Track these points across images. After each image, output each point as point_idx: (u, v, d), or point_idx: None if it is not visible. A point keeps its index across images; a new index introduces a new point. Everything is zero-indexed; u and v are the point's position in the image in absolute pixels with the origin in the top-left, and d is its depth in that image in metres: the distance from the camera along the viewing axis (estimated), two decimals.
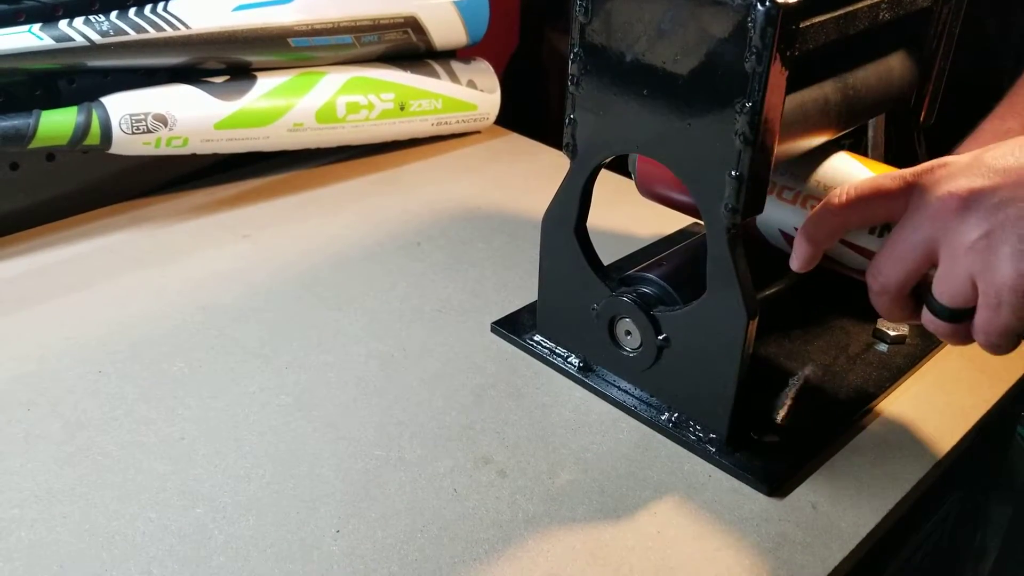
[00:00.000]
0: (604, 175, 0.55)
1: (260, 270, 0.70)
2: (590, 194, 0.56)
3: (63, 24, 0.69)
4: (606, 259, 0.59)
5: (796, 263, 0.51)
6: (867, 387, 0.58)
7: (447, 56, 0.91)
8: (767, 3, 0.42)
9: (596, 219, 0.57)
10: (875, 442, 0.55)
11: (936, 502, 0.64)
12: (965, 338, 0.48)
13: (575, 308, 0.58)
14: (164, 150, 0.74)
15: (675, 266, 0.57)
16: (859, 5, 0.50)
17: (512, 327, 0.63)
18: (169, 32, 0.73)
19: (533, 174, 0.87)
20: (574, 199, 0.56)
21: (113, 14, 0.71)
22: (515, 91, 0.96)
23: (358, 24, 0.82)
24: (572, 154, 0.55)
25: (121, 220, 0.77)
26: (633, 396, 0.57)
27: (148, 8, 0.73)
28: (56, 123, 0.69)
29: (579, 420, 0.56)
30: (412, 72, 0.87)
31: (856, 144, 0.63)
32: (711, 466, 0.53)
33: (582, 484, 0.51)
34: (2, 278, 0.68)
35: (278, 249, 0.73)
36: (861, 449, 0.54)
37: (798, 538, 0.48)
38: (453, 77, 0.89)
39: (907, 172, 0.48)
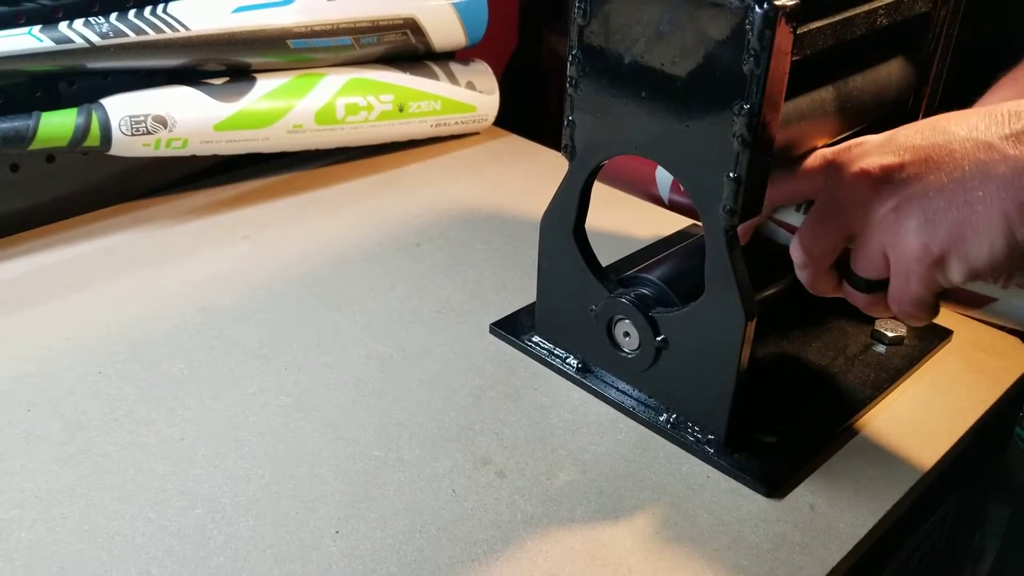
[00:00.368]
0: None
1: (260, 271, 0.70)
2: (589, 195, 0.56)
3: (63, 26, 0.69)
4: (604, 260, 0.59)
5: None
6: (865, 388, 0.59)
7: (446, 58, 0.91)
8: (765, 5, 0.43)
9: (595, 220, 0.57)
10: (873, 443, 0.55)
11: (934, 503, 0.64)
12: (883, 309, 0.50)
13: (574, 309, 0.58)
14: (164, 151, 0.75)
15: (673, 267, 0.58)
16: (857, 11, 0.50)
17: (511, 328, 0.63)
18: (169, 34, 0.73)
19: (532, 175, 0.87)
20: (573, 200, 0.56)
21: (113, 16, 0.71)
22: (514, 92, 0.96)
23: (357, 26, 0.83)
24: (571, 156, 0.55)
25: (121, 221, 0.77)
26: (631, 397, 0.57)
27: (148, 10, 0.73)
28: (56, 125, 0.70)
29: (577, 421, 0.56)
30: (411, 74, 0.87)
31: None
32: (709, 467, 0.53)
33: (580, 485, 0.51)
34: (2, 279, 0.68)
35: (278, 250, 0.73)
36: (859, 450, 0.55)
37: (796, 539, 0.48)
38: (452, 79, 0.90)
39: (827, 151, 0.51)
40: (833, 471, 0.53)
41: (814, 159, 0.51)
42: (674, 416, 0.55)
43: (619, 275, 0.58)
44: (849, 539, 0.48)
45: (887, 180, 0.47)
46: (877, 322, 0.63)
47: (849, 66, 0.56)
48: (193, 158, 0.79)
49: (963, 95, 0.67)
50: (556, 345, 0.61)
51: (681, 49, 0.47)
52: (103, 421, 0.54)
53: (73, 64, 0.71)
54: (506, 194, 0.84)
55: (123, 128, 0.72)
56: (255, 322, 0.64)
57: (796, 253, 0.52)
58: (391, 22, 0.85)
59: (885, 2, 0.52)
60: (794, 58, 0.45)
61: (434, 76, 0.89)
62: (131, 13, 0.72)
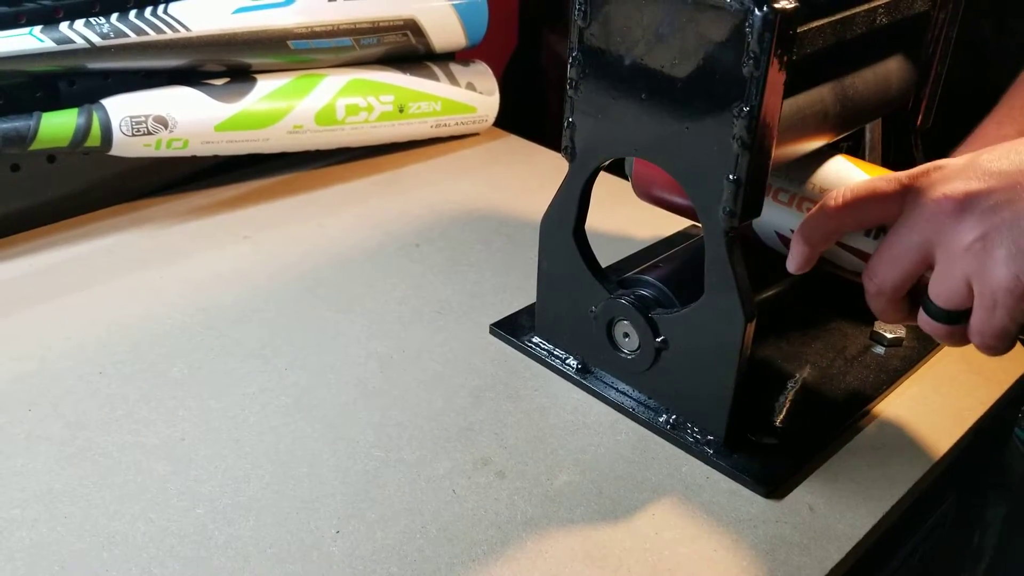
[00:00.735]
0: (603, 177, 0.56)
1: (260, 271, 0.70)
2: (589, 196, 0.56)
3: (64, 26, 0.69)
4: (604, 261, 0.59)
5: (793, 265, 0.51)
6: (864, 389, 0.59)
7: (446, 59, 0.91)
8: (764, 8, 0.43)
9: (594, 221, 0.57)
10: (872, 444, 0.55)
11: (933, 504, 0.64)
12: (961, 339, 0.48)
13: (573, 310, 0.59)
14: (164, 152, 0.75)
15: (673, 269, 0.58)
16: (856, 10, 0.50)
17: (511, 329, 0.63)
18: (169, 34, 0.73)
19: (532, 176, 0.88)
20: (573, 201, 0.56)
21: (113, 16, 0.72)
22: (514, 93, 0.96)
23: (357, 26, 0.83)
24: (571, 157, 0.55)
25: (122, 221, 0.77)
26: (631, 398, 0.57)
27: (148, 10, 0.73)
28: (57, 125, 0.70)
29: (577, 422, 0.56)
30: (411, 74, 0.87)
31: (854, 147, 0.63)
32: (709, 468, 0.53)
33: (580, 485, 0.51)
34: (3, 279, 0.68)
35: (278, 250, 0.73)
36: (858, 451, 0.55)
37: (795, 539, 0.48)
38: (452, 79, 0.90)
39: (903, 175, 0.48)
40: (832, 472, 0.53)
41: (889, 183, 0.48)
42: (673, 417, 0.55)
43: (619, 276, 0.58)
44: (848, 540, 0.49)
45: (972, 207, 0.45)
46: (876, 323, 0.63)
47: (849, 66, 0.56)
48: (194, 158, 0.79)
49: (961, 96, 0.67)
50: (556, 346, 0.61)
51: (681, 51, 0.47)
52: (104, 421, 0.54)
53: (74, 64, 0.71)
54: (506, 195, 0.84)
55: (124, 128, 0.72)
56: (255, 322, 0.64)
57: (869, 281, 0.50)
58: (391, 23, 0.85)
59: (884, 1, 0.52)
60: (794, 58, 0.45)
61: (434, 77, 0.89)
62: (132, 13, 0.72)
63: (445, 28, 0.88)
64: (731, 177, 0.47)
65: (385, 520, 0.48)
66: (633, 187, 0.62)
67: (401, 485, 0.51)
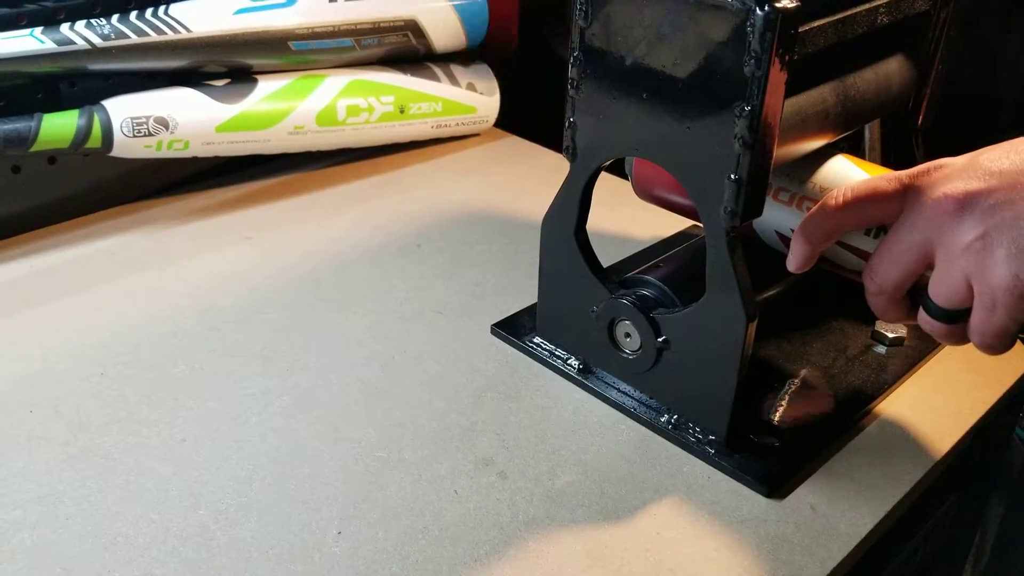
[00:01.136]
0: (604, 177, 0.56)
1: (261, 272, 0.70)
2: (590, 197, 0.56)
3: (64, 27, 0.69)
4: (605, 261, 0.59)
5: (793, 264, 0.51)
6: (866, 389, 0.59)
7: (447, 59, 0.91)
8: (766, 7, 0.43)
9: (596, 221, 0.57)
10: (873, 444, 0.55)
11: (934, 503, 0.64)
12: (961, 338, 0.48)
13: (575, 310, 0.59)
14: (165, 153, 0.75)
15: (674, 268, 0.58)
16: (857, 9, 0.50)
17: (512, 329, 0.63)
18: (170, 35, 0.73)
19: (533, 177, 0.88)
20: (574, 202, 0.56)
21: (114, 17, 0.72)
22: (514, 94, 0.96)
23: (358, 27, 0.83)
24: (572, 157, 0.55)
25: (122, 223, 0.77)
26: (633, 398, 0.57)
27: (149, 12, 0.73)
28: (57, 126, 0.70)
29: (579, 422, 0.56)
30: (412, 75, 0.87)
31: (854, 147, 0.63)
32: (710, 468, 0.53)
33: (582, 486, 0.51)
34: (4, 280, 0.69)
35: (279, 251, 0.73)
36: (860, 450, 0.55)
37: (797, 539, 0.48)
38: (453, 80, 0.90)
39: (903, 174, 0.48)
40: (834, 472, 0.53)
41: (889, 182, 0.48)
42: (675, 417, 0.55)
43: (620, 276, 0.58)
44: (850, 539, 0.49)
45: (972, 206, 0.45)
46: (877, 323, 0.63)
47: (850, 65, 0.56)
48: (194, 159, 0.79)
49: (962, 95, 0.67)
50: (557, 346, 0.61)
51: (682, 51, 0.47)
52: (105, 422, 0.54)
53: (75, 66, 0.71)
54: (507, 195, 0.84)
55: (124, 130, 0.72)
56: (256, 323, 0.64)
57: (869, 280, 0.50)
58: (392, 24, 0.85)
59: (885, 0, 0.52)
60: (795, 57, 0.45)
61: (435, 78, 0.89)
62: (132, 15, 0.72)
63: (446, 29, 0.88)
64: (732, 177, 0.47)
65: (387, 521, 0.48)
66: (633, 187, 0.62)
67: (403, 486, 0.51)
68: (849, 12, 0.50)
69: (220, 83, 0.77)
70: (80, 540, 0.46)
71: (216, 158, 0.81)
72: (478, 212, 0.81)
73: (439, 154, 0.91)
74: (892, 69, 0.58)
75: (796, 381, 0.59)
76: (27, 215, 0.74)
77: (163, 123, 0.73)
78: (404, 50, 0.87)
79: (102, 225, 0.76)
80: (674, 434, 0.54)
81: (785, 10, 0.43)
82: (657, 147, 0.50)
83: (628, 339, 0.56)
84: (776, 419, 0.56)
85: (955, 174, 0.46)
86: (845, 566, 0.48)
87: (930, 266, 0.47)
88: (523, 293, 0.68)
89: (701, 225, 0.50)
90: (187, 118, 0.74)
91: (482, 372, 0.60)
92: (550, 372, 0.60)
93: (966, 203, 0.45)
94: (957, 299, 0.46)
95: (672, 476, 0.52)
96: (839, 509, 0.50)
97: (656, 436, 0.55)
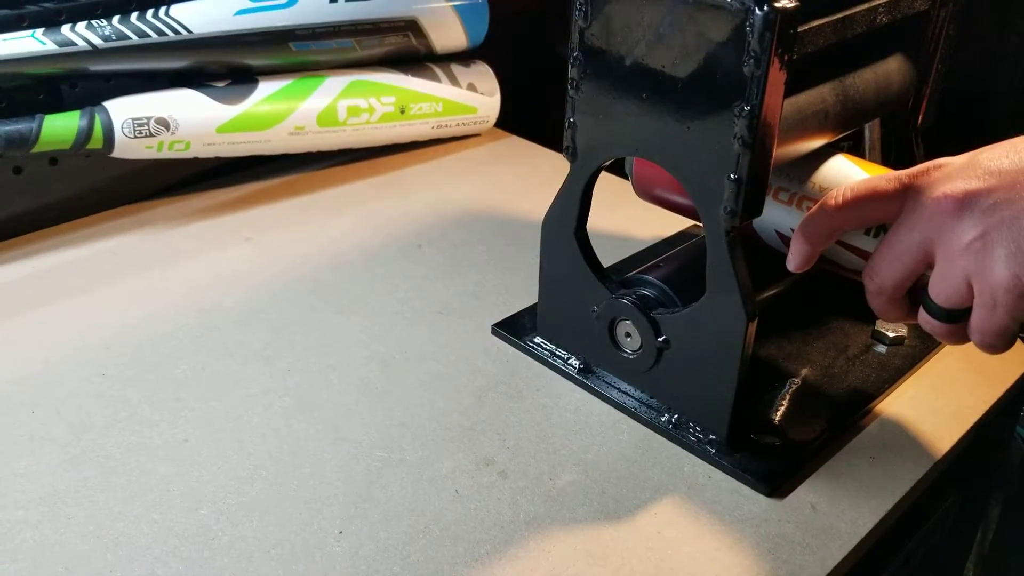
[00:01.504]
0: (604, 177, 0.56)
1: (262, 273, 0.70)
2: (590, 197, 0.56)
3: (66, 29, 0.69)
4: (606, 261, 0.59)
5: (793, 263, 0.51)
6: (866, 388, 0.59)
7: (447, 59, 0.91)
8: (765, 7, 0.43)
9: (596, 221, 0.57)
10: (874, 443, 0.55)
11: (935, 502, 0.64)
12: (961, 338, 0.48)
13: (575, 310, 0.59)
14: (166, 154, 0.75)
15: (675, 268, 0.58)
16: (856, 9, 0.51)
17: (513, 329, 0.63)
18: (171, 36, 0.73)
19: (533, 177, 0.88)
20: (574, 202, 0.56)
21: (115, 19, 0.72)
22: (515, 94, 0.96)
23: (359, 28, 0.83)
24: (572, 157, 0.55)
25: (123, 223, 0.77)
26: (633, 398, 0.57)
27: (150, 13, 0.73)
28: (59, 127, 0.70)
29: (580, 422, 0.56)
30: (412, 76, 0.87)
31: (855, 146, 0.63)
32: (711, 467, 0.53)
33: (583, 485, 0.51)
34: (5, 281, 0.69)
35: (280, 252, 0.73)
36: (860, 450, 0.55)
37: (797, 538, 0.48)
38: (453, 80, 0.90)
39: (903, 173, 0.48)
40: (834, 471, 0.53)
41: (889, 182, 0.48)
42: (676, 416, 0.55)
43: (621, 276, 0.58)
44: (850, 539, 0.49)
45: (972, 206, 0.45)
46: (878, 322, 0.63)
47: (850, 65, 0.56)
48: (195, 160, 0.79)
49: (962, 95, 0.67)
50: (558, 346, 0.61)
51: (682, 51, 0.47)
52: (107, 423, 0.54)
53: (76, 67, 0.71)
54: (507, 195, 0.84)
55: (125, 130, 0.72)
56: (257, 323, 0.64)
57: (869, 280, 0.50)
58: (392, 24, 0.85)
59: (884, 0, 0.52)
60: (794, 57, 0.45)
61: (435, 78, 0.89)
62: (133, 16, 0.72)
63: (446, 29, 0.88)
64: (732, 176, 0.47)
65: (388, 520, 0.49)
66: (633, 186, 0.62)
67: (404, 485, 0.51)
68: (848, 12, 0.50)
69: (221, 84, 0.77)
70: (82, 540, 0.47)
71: (217, 159, 0.81)
72: (479, 212, 0.81)
73: (440, 154, 0.91)
74: (892, 68, 0.58)
75: (796, 381, 0.59)
76: (28, 216, 0.74)
77: (164, 124, 0.73)
78: (404, 50, 0.87)
79: (103, 226, 0.77)
80: (675, 433, 0.54)
81: (784, 10, 0.43)
82: (657, 147, 0.50)
83: (629, 339, 0.56)
84: (777, 418, 0.56)
85: (955, 173, 0.46)
86: (846, 565, 0.48)
87: (930, 265, 0.47)
88: (524, 293, 0.68)
89: (701, 225, 0.50)
90: (188, 119, 0.74)
91: (483, 372, 0.60)
92: (551, 372, 0.60)
93: (966, 202, 0.45)
94: (957, 298, 0.46)
95: (673, 475, 0.52)
96: (840, 508, 0.50)
97: (657, 436, 0.55)
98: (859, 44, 0.52)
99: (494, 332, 0.64)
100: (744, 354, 0.50)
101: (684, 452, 0.54)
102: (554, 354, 0.61)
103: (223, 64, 0.77)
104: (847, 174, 0.55)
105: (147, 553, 0.46)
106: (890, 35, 0.55)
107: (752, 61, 0.44)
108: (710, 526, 0.49)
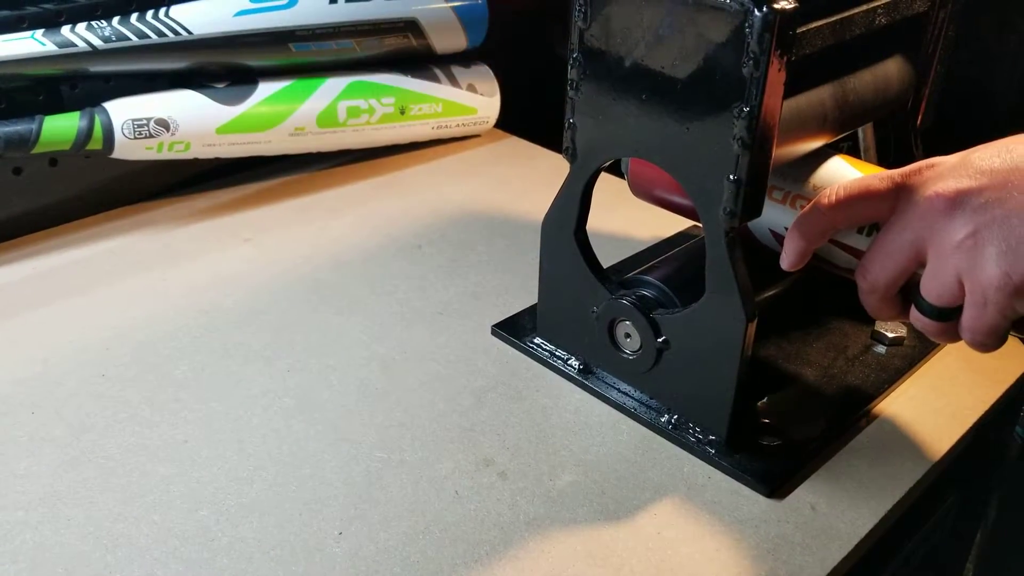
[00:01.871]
0: (603, 178, 0.56)
1: (262, 273, 0.70)
2: (590, 197, 0.56)
3: (66, 30, 0.70)
4: (605, 262, 0.59)
5: (786, 262, 0.52)
6: (866, 389, 0.59)
7: (447, 60, 0.91)
8: (764, 9, 0.43)
9: (595, 222, 0.57)
10: (874, 443, 0.55)
11: (935, 503, 0.64)
12: (953, 336, 0.49)
13: (575, 311, 0.59)
14: (166, 155, 0.75)
15: (674, 269, 0.58)
16: (856, 11, 0.51)
17: (512, 330, 0.63)
18: (171, 37, 0.73)
19: (533, 177, 0.88)
20: (574, 202, 0.56)
21: (115, 20, 0.72)
22: (515, 95, 0.96)
23: (358, 28, 0.83)
24: (571, 158, 0.55)
25: (123, 224, 0.77)
26: (633, 398, 0.57)
27: (150, 14, 0.73)
28: (59, 128, 0.70)
29: (579, 422, 0.56)
30: (412, 76, 0.87)
31: (852, 148, 0.63)
32: (711, 468, 0.53)
33: (582, 486, 0.51)
34: (5, 282, 0.69)
35: (280, 252, 0.73)
36: (860, 450, 0.55)
37: (797, 539, 0.48)
38: (453, 81, 0.90)
39: (895, 173, 0.49)
40: (834, 471, 0.53)
41: (882, 181, 0.49)
42: (675, 417, 0.55)
43: (620, 277, 0.58)
44: (850, 539, 0.49)
45: (963, 204, 0.45)
46: (877, 323, 0.63)
47: (849, 66, 0.56)
48: (195, 161, 0.79)
49: (961, 95, 0.67)
50: (558, 346, 0.61)
51: (681, 52, 0.47)
52: (107, 424, 0.54)
53: (76, 68, 0.71)
54: (507, 196, 0.84)
55: (126, 131, 0.72)
56: (257, 324, 0.64)
57: (862, 278, 0.50)
58: (392, 24, 0.85)
59: (883, 1, 0.52)
60: (793, 58, 0.45)
61: (435, 79, 0.89)
62: (133, 17, 0.73)
63: (446, 29, 0.88)
64: (731, 177, 0.47)
65: (388, 521, 0.49)
66: (629, 185, 0.62)
67: (404, 486, 0.51)
68: (847, 13, 0.50)
69: (221, 85, 0.77)
70: (82, 541, 0.47)
71: (217, 159, 0.81)
72: (478, 213, 0.81)
73: (439, 155, 0.91)
74: (891, 69, 0.58)
75: (796, 381, 0.59)
76: (28, 217, 0.74)
77: (164, 125, 0.73)
78: (404, 51, 0.87)
79: (103, 227, 0.77)
80: (674, 434, 0.54)
81: (783, 11, 0.43)
82: (656, 148, 0.50)
83: (628, 339, 0.56)
84: (776, 419, 0.56)
85: (946, 173, 0.46)
86: (845, 566, 0.48)
87: (922, 264, 0.48)
88: (523, 294, 0.68)
89: (701, 225, 0.51)
90: (188, 120, 0.74)
91: (483, 373, 0.60)
92: (550, 372, 0.60)
93: (957, 201, 0.45)
94: (949, 297, 0.47)
95: (672, 476, 0.52)
96: (839, 509, 0.50)
97: (656, 436, 0.55)
98: (858, 45, 0.52)
99: (494, 333, 0.64)
100: (743, 355, 0.51)
101: (684, 453, 0.54)
102: (554, 355, 0.61)
103: (223, 65, 0.77)
104: (842, 174, 0.55)
105: (147, 554, 0.46)
106: (889, 36, 0.55)
107: (751, 62, 0.44)
108: (710, 527, 0.49)
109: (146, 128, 0.73)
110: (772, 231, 0.57)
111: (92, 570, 0.45)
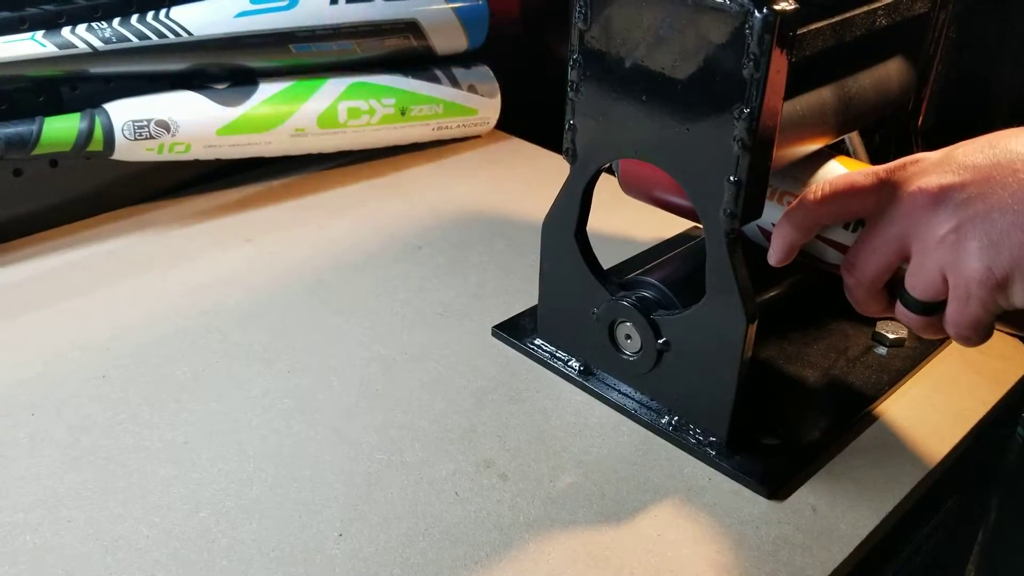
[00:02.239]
0: (604, 179, 0.56)
1: (262, 274, 0.70)
2: (590, 198, 0.56)
3: (66, 31, 0.70)
4: (606, 263, 0.59)
5: (773, 257, 0.52)
6: (866, 390, 0.59)
7: (448, 61, 0.91)
8: (764, 10, 0.43)
9: (596, 223, 0.57)
10: (874, 445, 0.55)
11: (935, 504, 0.64)
12: (937, 330, 0.49)
13: (575, 312, 0.59)
14: (167, 156, 0.75)
15: (675, 270, 0.58)
16: (856, 12, 0.51)
17: (513, 331, 0.63)
18: (171, 39, 0.73)
19: (533, 178, 0.88)
20: (574, 203, 0.56)
21: (115, 21, 0.72)
22: (515, 96, 0.96)
23: (359, 29, 0.83)
24: (572, 159, 0.55)
25: (124, 225, 0.77)
26: (633, 400, 0.57)
27: (150, 15, 0.73)
28: (59, 130, 0.70)
29: (580, 423, 0.56)
30: (413, 77, 0.87)
31: (840, 148, 0.63)
32: (711, 469, 0.53)
33: (583, 487, 0.51)
34: (6, 283, 0.69)
35: (280, 253, 0.74)
36: (860, 452, 0.55)
37: (798, 540, 0.48)
38: (454, 82, 0.90)
39: (880, 168, 0.49)
40: (835, 473, 0.53)
41: (867, 177, 0.49)
42: (676, 418, 0.55)
43: (621, 278, 0.58)
44: (851, 540, 0.49)
45: (947, 200, 0.45)
46: (878, 324, 0.63)
47: (849, 67, 0.56)
48: (196, 162, 0.79)
49: (962, 96, 0.67)
50: (558, 348, 0.61)
51: (681, 53, 0.47)
52: (107, 425, 0.54)
53: (76, 69, 0.71)
54: (508, 197, 0.84)
55: (126, 133, 0.72)
56: (258, 325, 0.64)
57: (847, 273, 0.51)
58: (393, 25, 0.85)
59: (884, 3, 0.52)
60: (793, 59, 0.45)
61: (436, 80, 0.89)
62: (134, 18, 0.73)
63: (446, 30, 0.88)
64: (732, 179, 0.47)
65: (388, 523, 0.49)
66: (620, 184, 0.62)
67: (404, 487, 0.51)
68: (848, 14, 0.50)
69: (221, 86, 0.77)
70: (82, 543, 0.47)
71: (217, 161, 0.81)
72: (479, 214, 0.81)
73: (440, 156, 0.91)
74: (892, 70, 0.58)
75: (797, 382, 0.59)
76: (29, 218, 0.74)
77: (164, 126, 0.73)
78: (405, 51, 0.87)
79: (104, 228, 0.77)
80: (675, 435, 0.54)
81: (783, 12, 0.43)
82: (656, 149, 0.50)
83: (629, 341, 0.56)
84: (777, 420, 0.56)
85: (930, 168, 0.47)
86: (846, 567, 0.48)
87: (907, 259, 0.48)
88: (524, 295, 0.68)
89: (701, 226, 0.50)
90: (188, 121, 0.74)
91: (483, 374, 0.60)
92: (551, 374, 0.60)
93: (940, 197, 0.46)
94: (932, 291, 0.47)
95: (673, 477, 0.52)
96: (840, 510, 0.50)
97: (657, 437, 0.55)
98: (859, 46, 0.52)
99: (494, 334, 0.64)
100: (744, 356, 0.50)
101: (684, 454, 0.54)
102: (554, 356, 0.61)
103: (223, 66, 0.77)
104: (832, 172, 0.55)
105: (146, 556, 0.46)
106: (890, 37, 0.55)
107: (752, 63, 0.44)
108: (710, 528, 0.49)
109: (146, 129, 0.73)
110: (760, 227, 0.57)
111: (92, 572, 0.45)
